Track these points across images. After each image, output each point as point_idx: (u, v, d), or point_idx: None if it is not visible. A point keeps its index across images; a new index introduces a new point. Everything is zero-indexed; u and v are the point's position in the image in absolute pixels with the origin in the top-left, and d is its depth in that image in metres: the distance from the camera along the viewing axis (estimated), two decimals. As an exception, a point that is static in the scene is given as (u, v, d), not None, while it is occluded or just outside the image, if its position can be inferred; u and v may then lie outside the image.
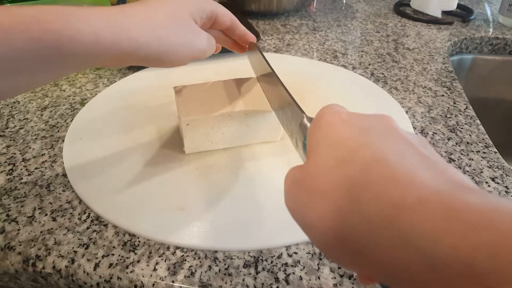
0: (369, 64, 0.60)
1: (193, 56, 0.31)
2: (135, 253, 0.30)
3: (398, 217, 0.15)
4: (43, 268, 0.29)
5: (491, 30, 0.74)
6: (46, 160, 0.40)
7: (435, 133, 0.44)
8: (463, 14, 0.79)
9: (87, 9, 0.26)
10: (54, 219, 0.33)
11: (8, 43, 0.23)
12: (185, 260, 0.29)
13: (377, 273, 0.17)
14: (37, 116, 0.47)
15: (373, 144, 0.18)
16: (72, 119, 0.46)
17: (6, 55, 0.23)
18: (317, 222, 0.18)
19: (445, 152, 0.41)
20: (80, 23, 0.25)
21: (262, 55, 0.37)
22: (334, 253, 0.18)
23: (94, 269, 0.29)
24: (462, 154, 0.41)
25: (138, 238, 0.31)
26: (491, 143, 0.43)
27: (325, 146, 0.20)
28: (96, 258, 0.29)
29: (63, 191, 0.36)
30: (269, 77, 0.34)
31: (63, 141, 0.42)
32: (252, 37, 0.38)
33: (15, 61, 0.24)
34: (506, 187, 0.37)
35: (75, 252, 0.30)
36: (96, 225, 0.32)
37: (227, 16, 0.35)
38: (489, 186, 0.37)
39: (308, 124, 0.24)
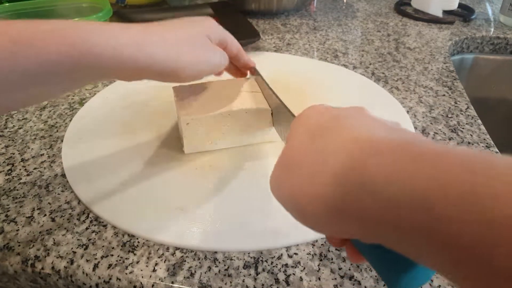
0: (370, 64, 0.60)
1: (208, 72, 0.34)
2: (135, 254, 0.30)
3: (357, 169, 0.17)
4: (42, 268, 0.29)
5: (492, 29, 0.73)
6: (45, 160, 0.39)
7: (436, 133, 0.44)
8: (464, 13, 0.79)
9: (108, 25, 0.28)
10: (53, 220, 0.33)
11: (27, 58, 0.24)
12: (185, 261, 0.29)
13: (351, 230, 0.18)
14: (36, 116, 0.47)
15: (341, 120, 0.21)
16: (71, 119, 0.46)
17: (23, 68, 0.24)
18: (295, 191, 0.20)
19: (446, 152, 0.41)
20: (101, 37, 0.26)
21: (263, 78, 0.40)
22: (311, 219, 0.20)
23: (93, 269, 0.29)
24: (463, 154, 0.41)
25: (137, 238, 0.31)
26: (493, 143, 0.43)
27: (301, 131, 0.22)
28: (95, 258, 0.29)
29: (62, 191, 0.36)
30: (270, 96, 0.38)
31: (62, 141, 0.42)
32: (253, 63, 0.41)
33: (32, 75, 0.25)
34: (507, 187, 0.36)
35: (74, 252, 0.30)
36: (95, 225, 0.32)
37: (235, 45, 0.37)
38: (490, 186, 0.36)
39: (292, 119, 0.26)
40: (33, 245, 0.30)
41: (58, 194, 0.35)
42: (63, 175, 0.37)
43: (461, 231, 0.13)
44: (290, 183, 0.21)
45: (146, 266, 0.29)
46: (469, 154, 0.15)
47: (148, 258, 0.29)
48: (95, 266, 0.29)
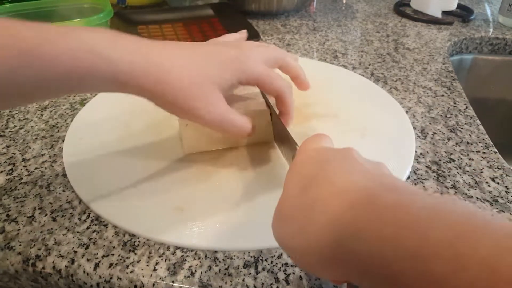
0: (369, 64, 0.60)
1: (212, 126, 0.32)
2: (135, 253, 0.30)
3: (337, 222, 0.19)
4: (43, 268, 0.29)
5: (491, 30, 0.74)
6: (46, 160, 0.40)
7: (435, 133, 0.44)
8: (463, 14, 0.79)
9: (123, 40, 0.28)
10: (54, 219, 0.33)
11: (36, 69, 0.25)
12: (185, 260, 0.29)
13: (346, 277, 0.20)
14: (37, 116, 0.47)
15: (327, 169, 0.22)
16: (72, 119, 0.46)
17: (36, 79, 0.25)
18: (290, 243, 0.22)
19: (445, 152, 0.41)
20: (116, 52, 0.27)
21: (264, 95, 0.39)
22: (308, 267, 0.22)
23: (94, 269, 0.29)
24: (462, 154, 0.41)
25: (138, 238, 0.31)
26: (491, 143, 0.43)
27: (293, 180, 0.24)
28: (96, 258, 0.29)
29: (63, 191, 0.36)
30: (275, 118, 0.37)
31: (63, 141, 0.42)
32: (308, 85, 0.39)
33: (43, 85, 0.26)
34: (506, 187, 0.37)
35: (75, 252, 0.30)
36: (96, 225, 0.32)
37: (291, 66, 0.37)
38: (489, 186, 0.37)
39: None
40: (34, 245, 0.31)
41: (59, 193, 0.35)
42: (64, 175, 0.37)
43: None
44: (285, 234, 0.22)
45: (147, 265, 0.29)
46: (426, 207, 0.17)
47: (148, 257, 0.30)
48: (96, 266, 0.29)
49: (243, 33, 0.41)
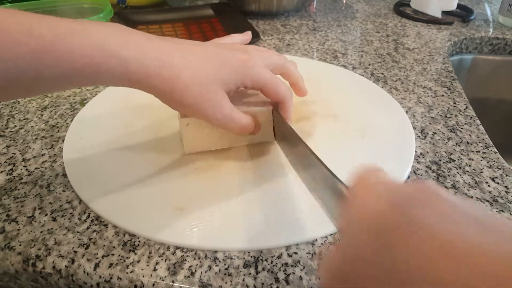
0: (369, 64, 0.60)
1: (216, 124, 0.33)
2: (135, 253, 0.30)
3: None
4: (43, 268, 0.29)
5: (491, 30, 0.74)
6: (46, 160, 0.40)
7: (435, 133, 0.44)
8: (463, 14, 0.79)
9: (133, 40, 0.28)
10: (54, 219, 0.33)
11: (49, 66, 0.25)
12: (185, 260, 0.29)
13: None
14: (37, 116, 0.47)
15: (410, 213, 0.16)
16: (72, 119, 0.46)
17: (45, 76, 0.26)
18: None
19: (445, 152, 0.41)
20: (128, 51, 0.27)
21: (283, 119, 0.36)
22: None
23: (94, 269, 0.29)
24: (462, 154, 0.41)
25: (138, 238, 0.31)
26: (491, 143, 0.43)
27: (362, 228, 0.17)
28: (96, 258, 0.29)
29: (63, 191, 0.36)
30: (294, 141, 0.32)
31: (63, 141, 0.42)
32: (305, 92, 0.40)
33: (55, 79, 0.26)
34: (506, 187, 0.37)
35: (75, 252, 0.30)
36: (96, 225, 0.32)
37: (292, 74, 0.38)
38: (489, 186, 0.37)
39: (345, 192, 0.21)
40: (34, 245, 0.31)
41: (59, 193, 0.35)
42: (64, 175, 0.37)
43: None
44: None
45: (147, 265, 0.29)
46: None
47: (148, 257, 0.30)
48: (96, 266, 0.29)
49: (248, 34, 0.42)
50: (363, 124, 0.44)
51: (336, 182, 0.23)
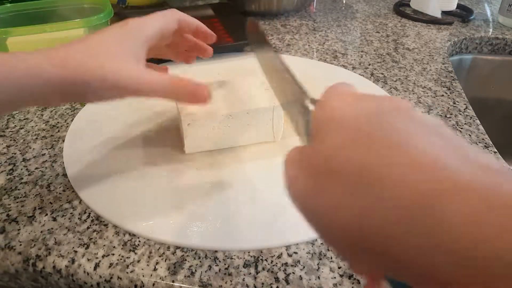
0: (369, 64, 0.60)
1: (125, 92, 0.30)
2: (135, 253, 0.30)
3: (428, 208, 0.13)
4: (43, 268, 0.29)
5: (491, 30, 0.74)
6: (46, 160, 0.40)
7: (435, 133, 0.44)
8: (463, 14, 0.79)
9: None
10: (54, 219, 0.33)
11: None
12: (185, 260, 0.29)
13: (391, 271, 0.15)
14: (37, 116, 0.47)
15: (385, 125, 0.16)
16: (73, 119, 0.46)
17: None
18: (330, 209, 0.16)
19: (445, 152, 0.41)
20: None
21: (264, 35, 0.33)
22: (342, 246, 0.16)
23: (94, 269, 0.29)
24: (462, 154, 0.41)
25: (138, 238, 0.31)
26: (491, 143, 0.43)
27: (333, 127, 0.17)
28: (96, 258, 0.30)
29: (63, 191, 0.36)
30: (273, 60, 0.31)
31: (64, 141, 0.42)
32: (212, 34, 0.39)
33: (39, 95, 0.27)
34: (505, 187, 0.37)
35: (75, 252, 0.30)
36: (96, 225, 0.32)
37: (191, 21, 0.37)
38: (488, 186, 0.37)
39: (311, 107, 0.22)
40: (35, 245, 0.31)
41: (59, 193, 0.35)
42: (64, 175, 0.37)
43: None
44: (329, 193, 0.16)
45: (147, 265, 0.29)
46: None
47: (149, 257, 0.30)
48: (96, 265, 0.29)
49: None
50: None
51: (305, 96, 0.23)
